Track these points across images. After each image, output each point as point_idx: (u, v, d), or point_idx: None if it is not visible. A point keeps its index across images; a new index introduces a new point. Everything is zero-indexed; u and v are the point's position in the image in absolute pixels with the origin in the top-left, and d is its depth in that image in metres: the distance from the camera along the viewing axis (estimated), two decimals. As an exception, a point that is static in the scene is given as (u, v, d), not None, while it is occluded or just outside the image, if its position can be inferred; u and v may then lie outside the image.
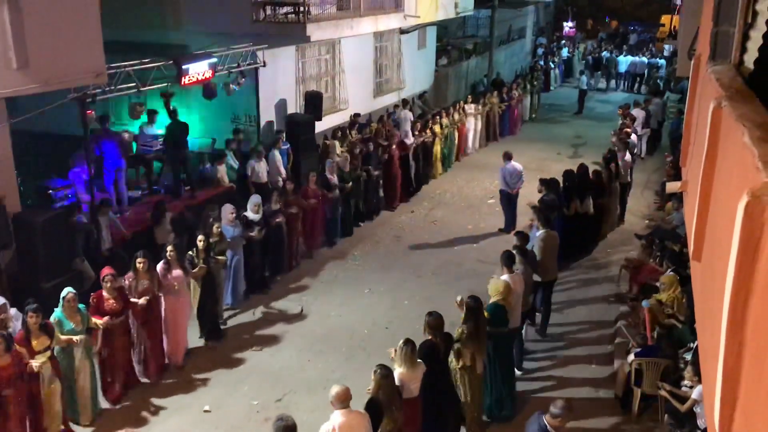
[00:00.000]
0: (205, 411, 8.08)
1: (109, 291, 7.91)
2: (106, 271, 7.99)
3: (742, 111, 2.51)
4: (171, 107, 11.98)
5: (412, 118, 17.56)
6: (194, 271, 9.04)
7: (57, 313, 7.39)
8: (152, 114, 12.24)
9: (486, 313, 7.56)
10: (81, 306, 7.56)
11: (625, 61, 31.23)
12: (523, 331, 9.24)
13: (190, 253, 9.10)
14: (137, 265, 8.29)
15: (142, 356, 8.55)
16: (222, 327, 9.86)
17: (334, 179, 12.73)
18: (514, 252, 8.67)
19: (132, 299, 8.19)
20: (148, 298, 8.28)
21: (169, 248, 8.70)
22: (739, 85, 3.12)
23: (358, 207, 13.96)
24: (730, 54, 3.95)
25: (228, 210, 10.12)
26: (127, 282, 8.26)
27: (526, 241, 9.43)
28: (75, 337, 7.35)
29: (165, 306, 8.75)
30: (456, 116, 18.46)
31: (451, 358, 7.31)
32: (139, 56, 10.83)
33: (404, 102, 18.51)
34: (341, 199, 12.98)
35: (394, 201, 15.24)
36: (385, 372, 6.23)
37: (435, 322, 7.04)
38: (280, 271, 11.57)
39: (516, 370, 8.71)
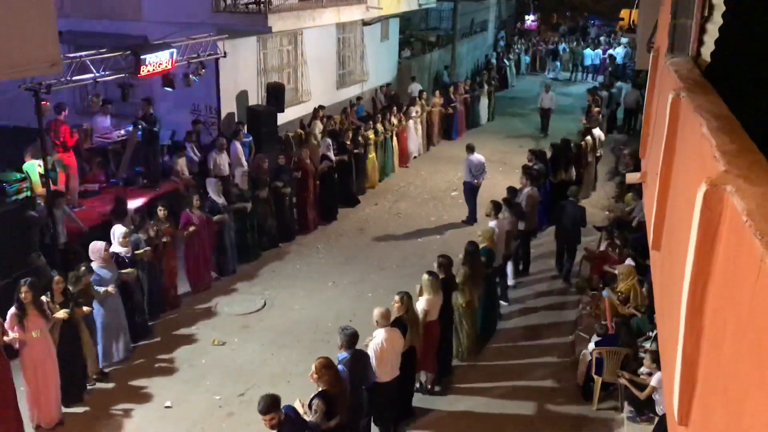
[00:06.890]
0: (167, 407, 7.96)
1: None
2: None
3: (700, 102, 2.55)
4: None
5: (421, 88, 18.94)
6: (55, 315, 7.38)
7: None
8: (106, 104, 11.99)
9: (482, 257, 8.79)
10: None
11: (590, 54, 31.76)
12: (508, 271, 10.91)
13: (43, 297, 7.35)
14: None
15: None
16: (89, 387, 8.21)
17: (221, 200, 10.84)
18: (501, 202, 10.22)
19: None
20: None
21: (23, 289, 7.09)
22: (696, 77, 3.17)
23: (264, 231, 12.09)
24: (688, 46, 4.02)
25: (96, 248, 8.37)
26: None
27: (514, 194, 11.19)
28: None
29: (24, 360, 7.20)
30: (394, 120, 16.73)
31: (456, 296, 8.48)
32: (96, 46, 10.58)
33: (413, 78, 20.92)
34: (240, 221, 11.40)
35: (309, 224, 13.25)
36: (410, 296, 7.30)
37: (447, 260, 8.22)
38: (160, 313, 9.90)
39: (502, 302, 10.42)
